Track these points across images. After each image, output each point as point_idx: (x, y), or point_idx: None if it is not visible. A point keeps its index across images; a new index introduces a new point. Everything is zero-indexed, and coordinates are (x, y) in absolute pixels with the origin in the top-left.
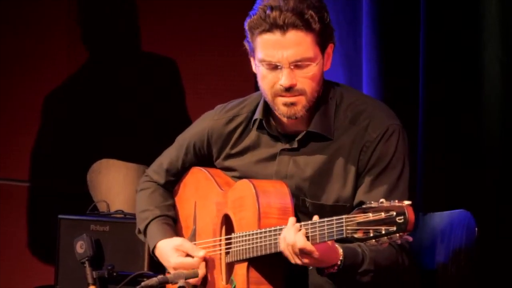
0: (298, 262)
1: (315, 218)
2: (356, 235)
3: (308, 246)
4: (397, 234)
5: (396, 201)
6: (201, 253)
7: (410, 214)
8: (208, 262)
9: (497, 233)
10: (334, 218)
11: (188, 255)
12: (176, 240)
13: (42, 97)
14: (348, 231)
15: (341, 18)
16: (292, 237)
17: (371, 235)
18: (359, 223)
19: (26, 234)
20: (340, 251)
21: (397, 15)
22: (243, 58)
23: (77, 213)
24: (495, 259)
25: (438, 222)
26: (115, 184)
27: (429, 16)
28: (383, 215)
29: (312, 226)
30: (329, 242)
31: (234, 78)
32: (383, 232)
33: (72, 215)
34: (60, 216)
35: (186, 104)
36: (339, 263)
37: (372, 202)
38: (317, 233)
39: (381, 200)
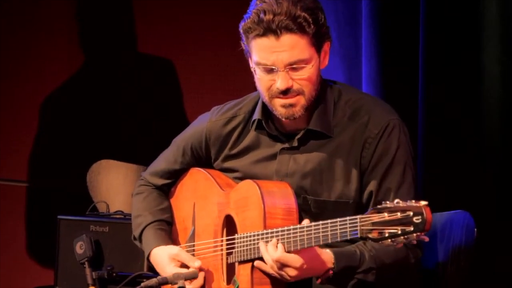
0: (286, 276)
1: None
2: (370, 235)
3: (283, 256)
4: (414, 234)
5: (413, 201)
6: (197, 263)
7: (428, 214)
8: (207, 263)
9: (496, 234)
10: (348, 218)
11: (183, 265)
12: (171, 249)
13: (42, 97)
14: (363, 231)
15: (340, 19)
16: (266, 255)
17: (386, 235)
18: (374, 223)
19: (26, 234)
20: (330, 254)
21: (397, 15)
22: (243, 57)
23: (76, 214)
24: (494, 260)
25: (438, 222)
26: (114, 184)
27: (429, 16)
28: (399, 215)
29: (323, 226)
30: (312, 249)
31: (234, 77)
32: (399, 232)
33: (71, 216)
34: (59, 216)
35: (186, 104)
36: (332, 266)
37: (388, 202)
38: (329, 233)
39: (397, 200)
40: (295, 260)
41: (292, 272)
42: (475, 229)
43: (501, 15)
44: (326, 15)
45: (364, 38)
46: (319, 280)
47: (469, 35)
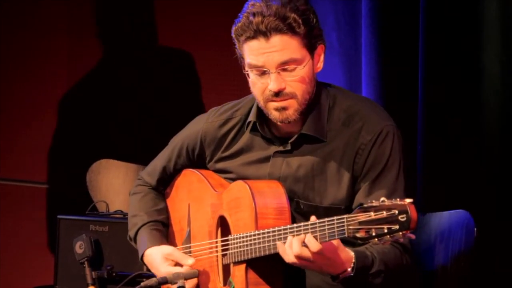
0: (309, 266)
1: (313, 218)
2: (358, 235)
3: (317, 246)
4: (400, 233)
5: (398, 199)
6: (190, 261)
7: (413, 212)
8: (204, 264)
9: (496, 234)
10: (335, 217)
11: (177, 264)
12: (165, 248)
13: (42, 97)
14: (349, 231)
15: (340, 19)
16: (297, 247)
17: (373, 234)
18: (360, 222)
19: (26, 234)
20: (352, 253)
21: (397, 15)
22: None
23: (76, 213)
24: (494, 260)
25: (437, 223)
26: (114, 184)
27: (429, 17)
28: (385, 213)
29: (312, 227)
30: (336, 244)
31: (234, 77)
32: (386, 231)
33: (71, 215)
34: (59, 216)
35: (186, 103)
36: (352, 265)
37: (374, 201)
38: (318, 233)
39: (382, 199)
40: (328, 249)
41: (315, 258)
42: (475, 229)
43: (501, 15)
44: (326, 15)
45: (364, 38)
46: (340, 278)
47: (469, 35)
